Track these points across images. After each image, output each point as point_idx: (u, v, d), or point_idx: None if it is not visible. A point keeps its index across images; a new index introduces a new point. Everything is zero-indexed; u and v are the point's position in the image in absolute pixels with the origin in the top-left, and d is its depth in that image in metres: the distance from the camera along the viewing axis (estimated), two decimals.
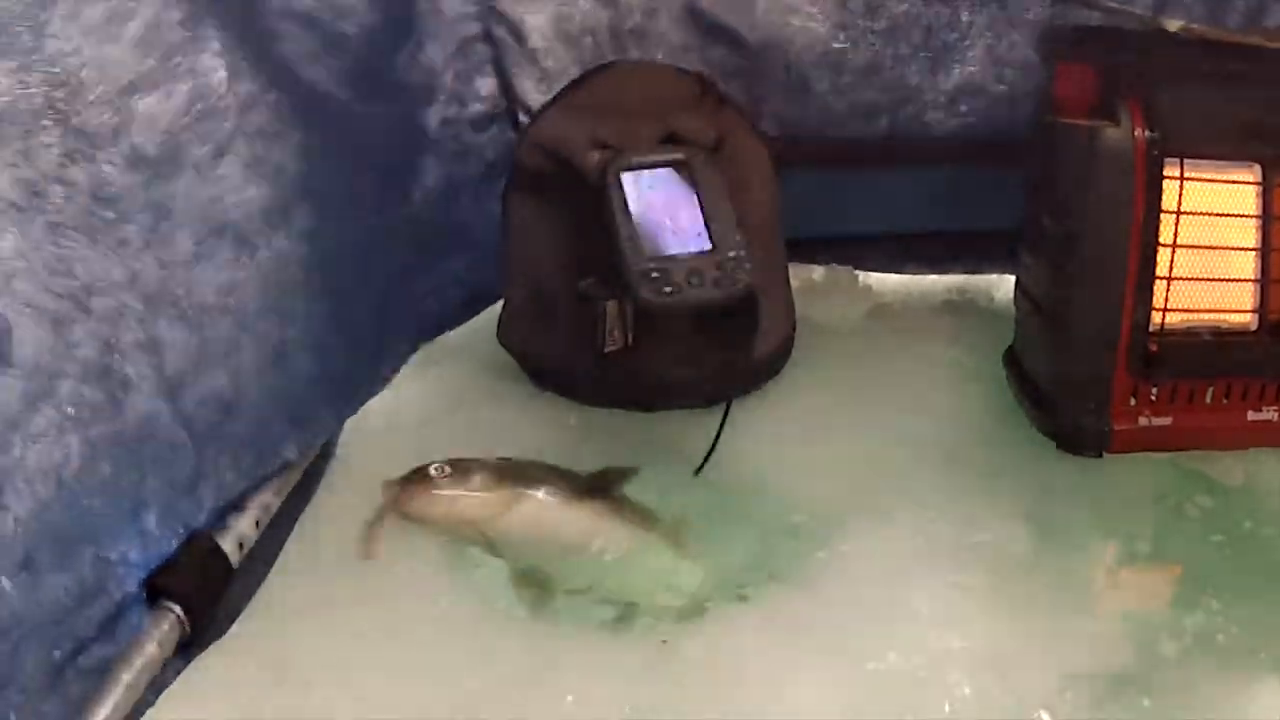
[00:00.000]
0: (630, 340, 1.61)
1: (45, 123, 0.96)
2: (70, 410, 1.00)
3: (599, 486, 1.48)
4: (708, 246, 1.58)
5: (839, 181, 1.89)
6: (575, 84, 1.74)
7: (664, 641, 1.25)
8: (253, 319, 1.24)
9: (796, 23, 1.73)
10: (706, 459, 1.53)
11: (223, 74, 1.13)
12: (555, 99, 1.73)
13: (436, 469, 1.41)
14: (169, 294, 1.11)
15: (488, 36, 1.71)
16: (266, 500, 1.35)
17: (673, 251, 1.57)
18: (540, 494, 1.44)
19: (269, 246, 1.24)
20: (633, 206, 1.58)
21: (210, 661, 1.20)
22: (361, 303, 1.49)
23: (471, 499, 1.41)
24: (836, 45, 1.75)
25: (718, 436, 1.54)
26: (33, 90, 0.95)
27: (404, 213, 1.59)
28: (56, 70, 0.96)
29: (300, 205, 1.28)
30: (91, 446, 1.03)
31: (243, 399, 1.24)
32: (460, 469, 1.42)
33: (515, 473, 1.45)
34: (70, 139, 0.98)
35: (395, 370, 1.63)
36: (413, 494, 1.40)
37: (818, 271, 2.00)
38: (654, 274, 1.56)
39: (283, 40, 1.30)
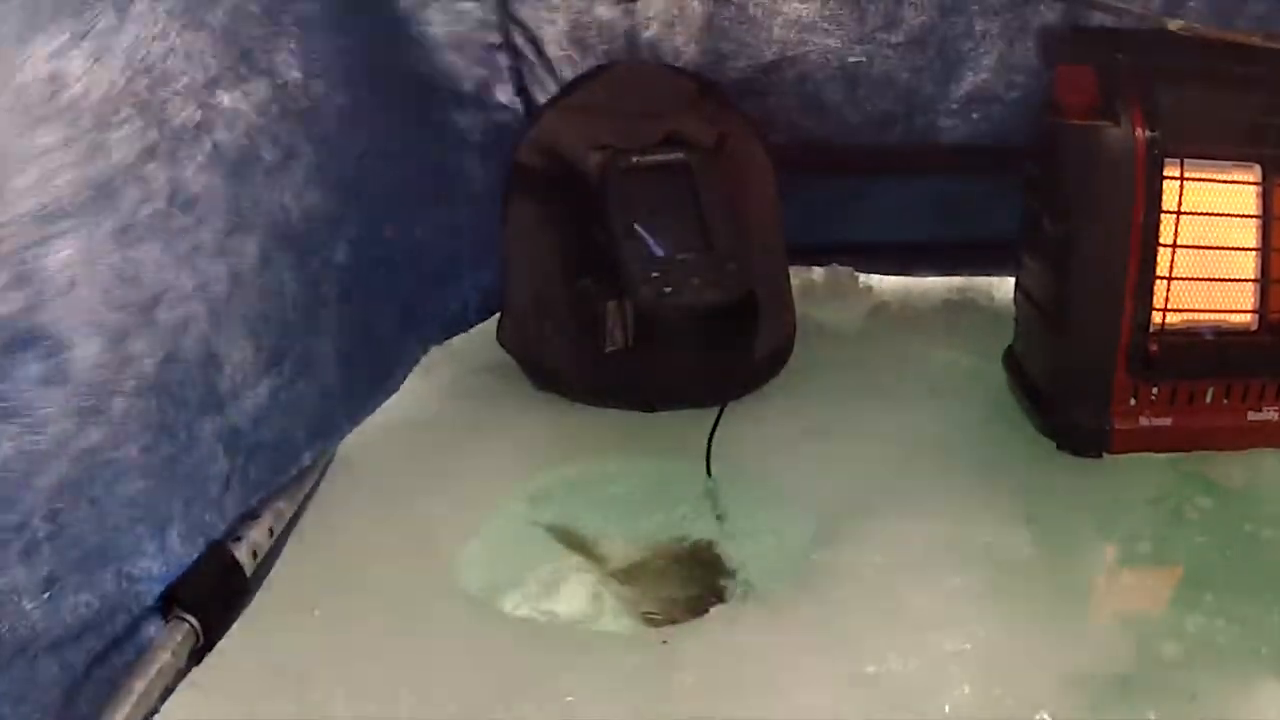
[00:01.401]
0: (630, 341, 1.61)
1: (124, 113, 0.88)
2: (120, 427, 0.95)
3: None
4: (707, 247, 1.58)
5: (847, 190, 1.89)
6: (575, 85, 1.74)
7: (664, 642, 1.25)
8: (297, 329, 1.19)
9: (814, 39, 1.74)
10: (708, 461, 1.53)
11: (298, 74, 1.07)
12: (555, 100, 1.74)
13: None
14: (234, 305, 1.05)
15: (509, 45, 1.72)
16: (281, 508, 1.35)
17: (672, 252, 1.57)
18: None
19: (321, 255, 1.19)
20: (633, 207, 1.58)
21: (211, 662, 1.20)
22: (389, 312, 1.47)
23: None
24: (853, 59, 1.75)
25: (711, 436, 1.54)
26: (114, 77, 0.87)
27: (439, 222, 1.58)
28: (140, 56, 0.88)
29: (352, 213, 1.23)
30: (130, 465, 0.99)
31: (275, 409, 1.20)
32: None
33: None
34: (152, 132, 0.90)
35: (407, 374, 1.63)
36: None
37: (818, 272, 2.00)
38: (654, 275, 1.56)
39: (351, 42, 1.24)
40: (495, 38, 1.70)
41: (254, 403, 1.15)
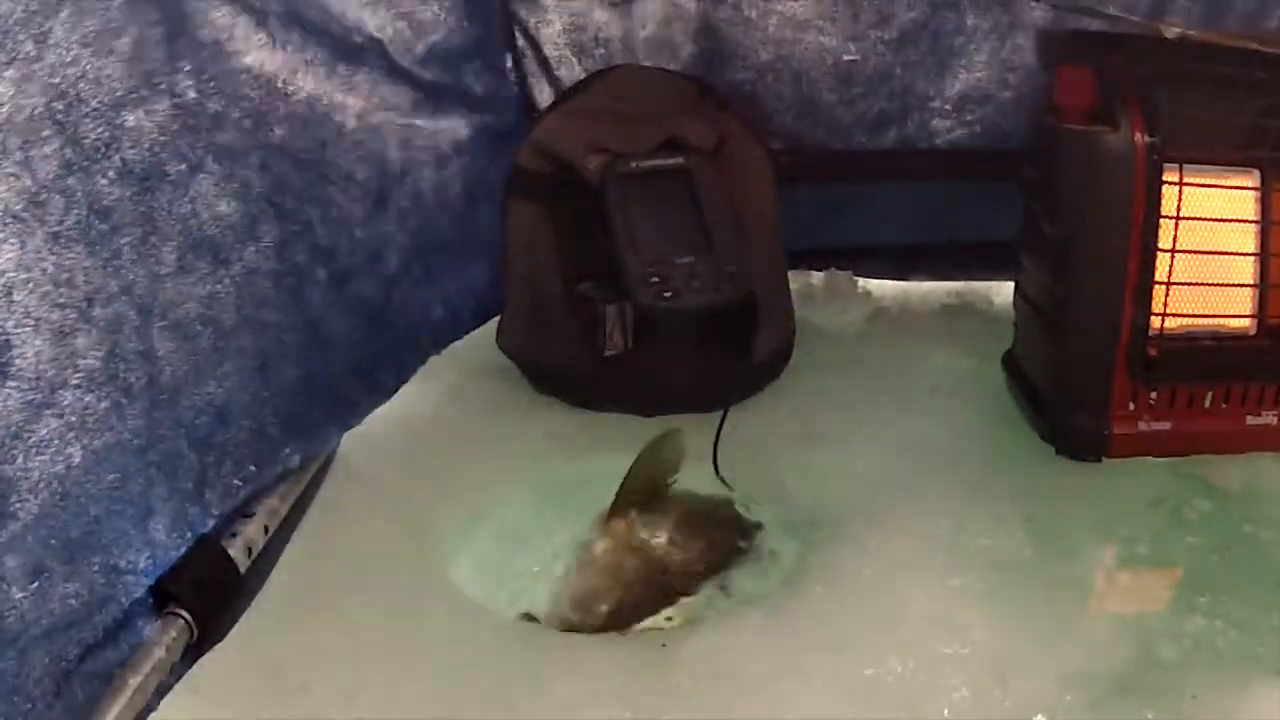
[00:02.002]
0: (630, 344, 1.61)
1: (45, 133, 0.95)
2: (74, 419, 1.00)
3: None
4: (707, 251, 1.58)
5: (844, 196, 1.90)
6: (576, 88, 1.75)
7: (663, 645, 1.25)
8: (232, 332, 1.24)
9: (809, 37, 1.74)
10: (716, 464, 1.53)
11: (193, 94, 1.14)
12: (556, 103, 1.74)
13: None
14: (159, 305, 1.12)
15: (509, 45, 1.73)
16: (274, 506, 1.36)
17: (672, 256, 1.58)
18: None
19: (240, 261, 1.25)
20: (632, 210, 1.59)
21: (211, 662, 1.20)
22: (352, 315, 1.49)
23: None
24: (847, 57, 1.76)
25: (717, 440, 1.54)
26: (34, 99, 0.95)
27: (407, 223, 1.59)
28: (57, 81, 0.96)
29: (266, 220, 1.29)
30: (96, 455, 1.03)
31: (233, 406, 1.24)
32: None
33: None
34: (69, 150, 0.98)
35: (401, 380, 1.63)
36: None
37: (817, 276, 2.00)
38: (653, 278, 1.56)
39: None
40: (494, 38, 1.70)
41: (205, 399, 1.20)
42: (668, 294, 1.57)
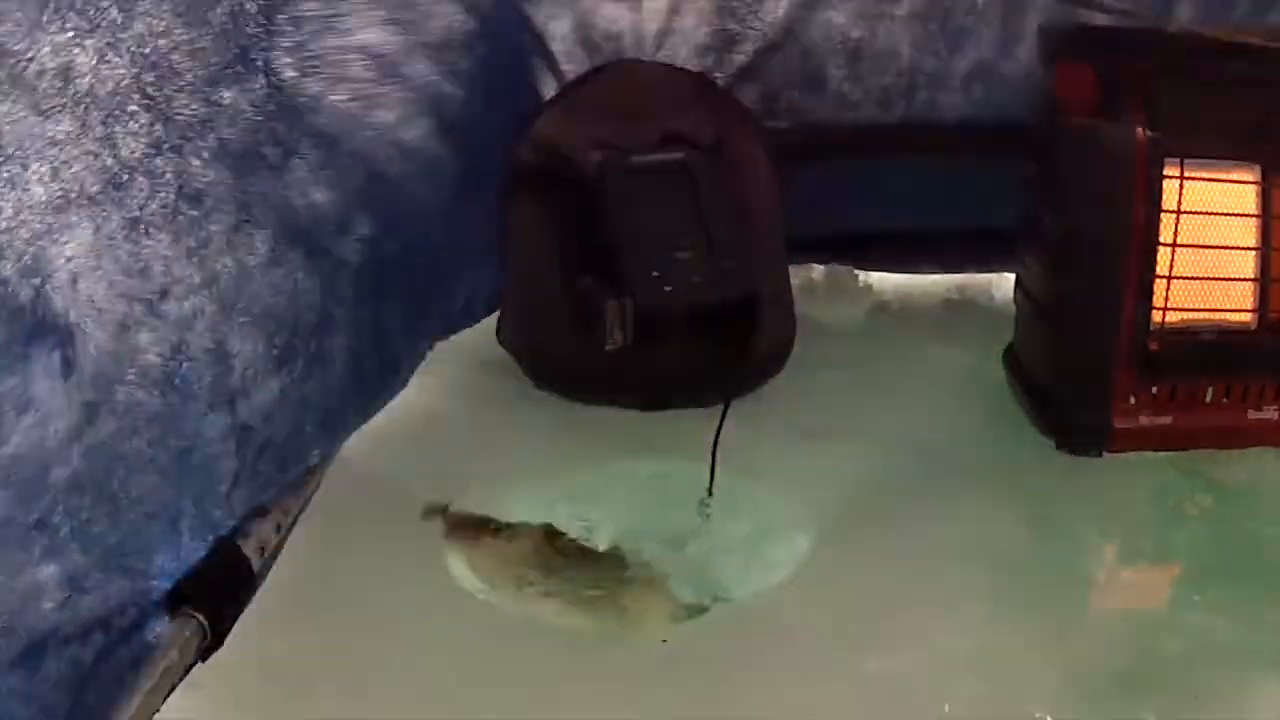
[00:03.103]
0: (630, 339, 1.61)
1: (132, 108, 0.88)
2: (124, 421, 0.95)
3: None
4: (707, 246, 1.58)
5: (848, 176, 1.89)
6: (575, 84, 1.74)
7: (664, 641, 1.25)
8: (310, 330, 1.20)
9: (819, 14, 1.74)
10: (713, 466, 1.53)
11: (291, 73, 1.07)
12: (556, 98, 1.74)
13: None
14: (244, 299, 1.06)
15: (517, 42, 1.72)
16: (288, 504, 1.34)
17: (672, 251, 1.57)
18: None
19: (331, 255, 1.19)
20: (633, 206, 1.58)
21: (211, 661, 1.20)
22: (399, 310, 1.47)
23: None
24: (855, 34, 1.75)
25: (717, 436, 1.54)
26: (120, 71, 0.87)
27: (448, 220, 1.58)
28: (146, 51, 0.88)
29: (360, 212, 1.23)
30: (141, 458, 0.98)
31: (285, 406, 1.20)
32: None
33: None
34: (159, 127, 0.91)
35: (410, 372, 1.63)
36: None
37: (818, 271, 2.00)
38: (654, 274, 1.56)
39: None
40: (506, 34, 1.69)
41: (264, 399, 1.15)
42: (668, 289, 1.57)
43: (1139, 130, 1.41)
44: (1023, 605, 1.29)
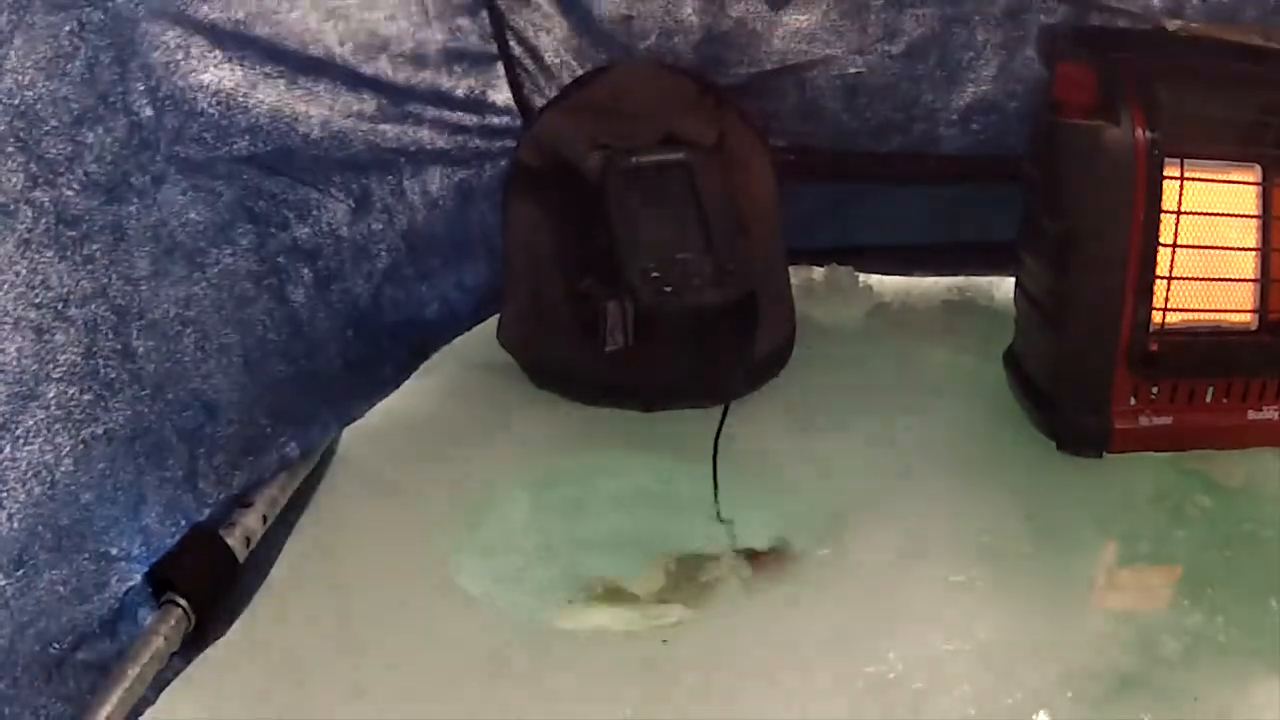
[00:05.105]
0: (630, 340, 1.61)
1: (9, 149, 1.00)
2: (59, 411, 1.04)
3: None
4: (707, 247, 1.58)
5: (846, 196, 1.89)
6: (576, 85, 1.74)
7: (664, 641, 1.25)
8: (214, 330, 1.28)
9: (815, 49, 1.74)
10: (714, 467, 1.52)
11: (149, 111, 1.18)
12: (556, 100, 1.74)
13: None
14: (136, 307, 1.16)
15: (505, 54, 1.72)
16: (273, 496, 1.36)
17: (672, 252, 1.57)
18: None
19: (217, 264, 1.29)
20: (633, 206, 1.58)
21: (211, 659, 1.21)
22: (346, 310, 1.50)
23: None
24: (854, 70, 1.75)
25: (718, 437, 1.54)
26: None
27: (399, 222, 1.59)
28: (16, 102, 1.00)
29: (240, 224, 1.33)
30: (84, 445, 1.07)
31: (221, 398, 1.28)
32: None
33: None
34: (34, 165, 1.03)
35: (402, 373, 1.63)
36: None
37: (818, 272, 2.00)
38: (654, 274, 1.56)
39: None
40: (490, 47, 1.71)
41: (191, 394, 1.24)
42: (668, 290, 1.57)
43: (1139, 131, 1.41)
44: (1022, 604, 1.29)
